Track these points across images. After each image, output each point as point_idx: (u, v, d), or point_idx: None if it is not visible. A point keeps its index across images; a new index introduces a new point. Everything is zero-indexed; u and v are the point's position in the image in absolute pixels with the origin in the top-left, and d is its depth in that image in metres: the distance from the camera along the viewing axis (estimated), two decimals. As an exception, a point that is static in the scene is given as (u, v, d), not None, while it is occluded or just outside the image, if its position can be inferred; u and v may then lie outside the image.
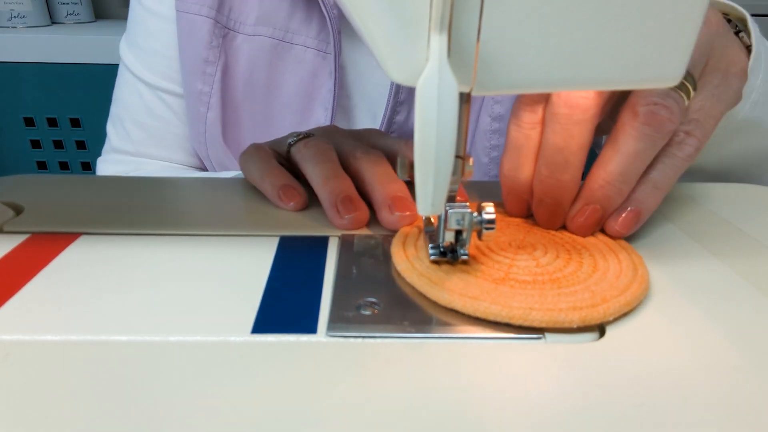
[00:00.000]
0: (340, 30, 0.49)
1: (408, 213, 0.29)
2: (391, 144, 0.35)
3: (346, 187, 0.30)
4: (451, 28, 0.18)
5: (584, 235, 0.28)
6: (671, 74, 0.20)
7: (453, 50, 0.19)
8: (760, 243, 0.29)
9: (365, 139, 0.36)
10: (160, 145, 0.57)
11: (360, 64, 0.52)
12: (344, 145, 0.34)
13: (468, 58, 0.19)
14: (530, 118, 0.28)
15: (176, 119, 0.56)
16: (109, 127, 0.58)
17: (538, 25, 0.19)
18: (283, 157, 0.36)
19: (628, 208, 0.27)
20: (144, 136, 0.56)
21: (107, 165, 0.58)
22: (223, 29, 0.51)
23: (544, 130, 0.27)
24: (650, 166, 0.27)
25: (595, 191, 0.27)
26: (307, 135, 0.35)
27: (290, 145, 0.35)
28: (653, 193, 0.27)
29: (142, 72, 0.55)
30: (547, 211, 0.28)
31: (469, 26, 0.19)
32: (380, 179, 0.30)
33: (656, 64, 0.20)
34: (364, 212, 0.30)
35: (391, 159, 0.33)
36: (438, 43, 0.18)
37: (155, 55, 0.54)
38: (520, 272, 0.24)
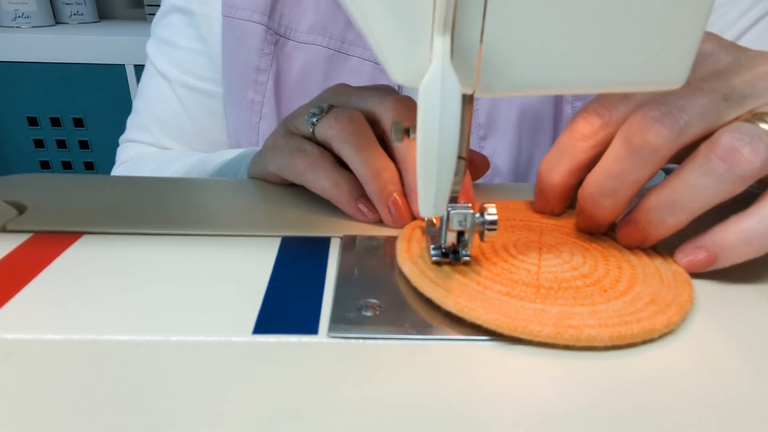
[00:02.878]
0: None
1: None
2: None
3: (396, 183, 0.30)
4: (454, 29, 0.18)
5: (625, 246, 0.27)
6: (675, 77, 0.20)
7: (456, 52, 0.19)
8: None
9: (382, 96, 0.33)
10: (169, 136, 0.57)
11: None
12: (370, 107, 0.32)
13: (471, 59, 0.19)
14: (584, 128, 0.27)
15: (184, 113, 0.56)
16: (128, 119, 0.59)
17: (542, 27, 0.19)
18: (305, 137, 0.34)
19: (702, 248, 0.24)
20: (156, 126, 0.57)
21: (122, 152, 0.59)
22: (275, 36, 0.49)
23: (609, 149, 0.25)
24: (747, 213, 0.24)
25: (638, 211, 0.26)
26: (329, 108, 0.33)
27: (313, 124, 0.32)
28: (741, 247, 0.23)
29: (162, 64, 0.55)
30: (584, 221, 0.28)
31: (472, 27, 0.19)
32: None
33: (660, 66, 0.20)
34: (410, 211, 0.30)
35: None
36: (441, 44, 0.18)
37: (174, 48, 0.54)
38: (528, 276, 0.24)
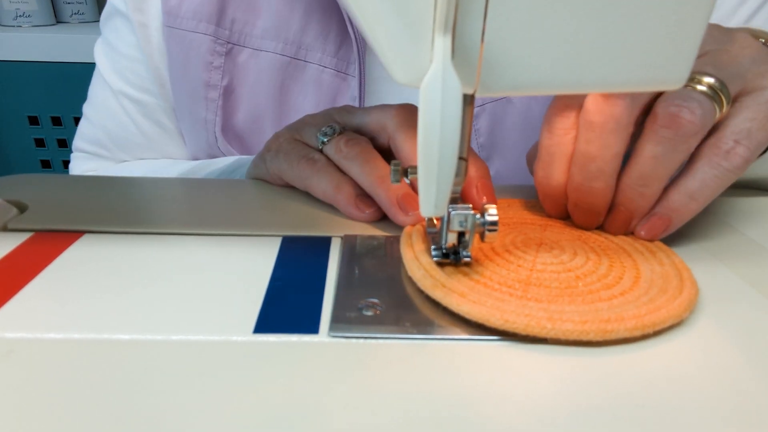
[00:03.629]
0: (364, 45, 0.43)
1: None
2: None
3: (403, 185, 0.30)
4: (455, 29, 0.18)
5: (614, 234, 0.29)
6: (676, 77, 0.20)
7: (457, 51, 0.19)
8: (766, 249, 0.29)
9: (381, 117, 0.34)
10: (124, 151, 0.54)
11: (387, 85, 0.47)
12: (375, 117, 0.33)
13: (472, 59, 0.19)
14: (562, 123, 0.28)
15: (134, 127, 0.52)
16: (80, 124, 0.56)
17: (542, 27, 0.19)
18: (313, 149, 0.34)
19: (657, 214, 0.27)
20: (110, 142, 0.54)
21: (77, 162, 0.56)
22: (226, 44, 0.45)
23: (578, 138, 0.27)
24: (689, 174, 0.27)
25: (617, 194, 0.27)
26: (341, 130, 0.33)
27: (323, 143, 0.33)
28: (687, 204, 0.27)
29: (107, 70, 0.52)
30: (582, 214, 0.29)
31: (473, 27, 0.19)
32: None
33: (660, 66, 0.20)
34: None
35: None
36: (442, 44, 0.18)
37: (116, 54, 0.51)
38: (539, 274, 0.24)
